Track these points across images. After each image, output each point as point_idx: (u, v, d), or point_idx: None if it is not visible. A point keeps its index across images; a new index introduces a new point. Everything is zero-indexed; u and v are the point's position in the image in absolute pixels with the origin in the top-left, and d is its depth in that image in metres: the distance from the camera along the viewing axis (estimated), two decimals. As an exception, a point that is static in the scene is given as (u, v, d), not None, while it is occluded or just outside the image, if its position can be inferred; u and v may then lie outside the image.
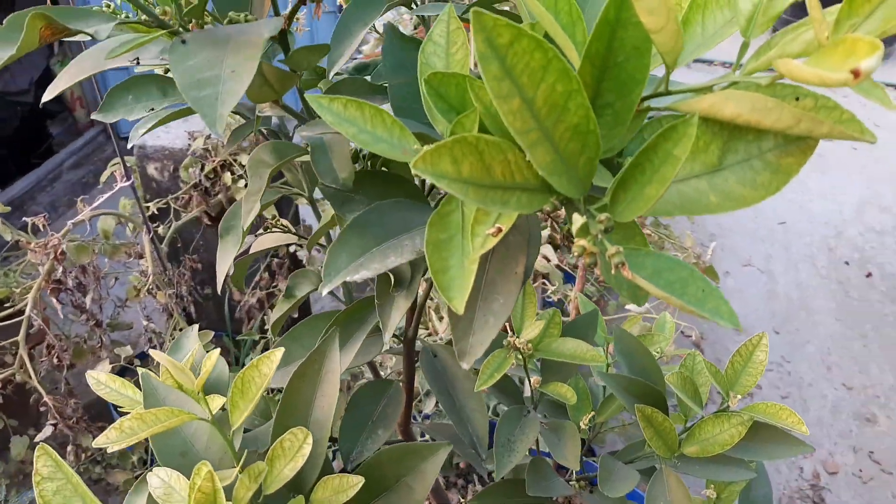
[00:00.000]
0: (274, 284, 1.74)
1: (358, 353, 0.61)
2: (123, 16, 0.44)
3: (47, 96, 0.47)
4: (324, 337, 0.52)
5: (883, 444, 1.88)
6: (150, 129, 0.65)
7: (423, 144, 0.41)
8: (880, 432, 1.92)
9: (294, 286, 0.72)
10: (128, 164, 1.47)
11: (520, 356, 0.60)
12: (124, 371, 1.62)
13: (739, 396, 0.57)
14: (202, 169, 1.60)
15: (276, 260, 1.77)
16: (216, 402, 0.47)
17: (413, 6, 0.58)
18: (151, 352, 0.44)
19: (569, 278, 1.69)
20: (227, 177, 1.60)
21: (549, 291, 1.40)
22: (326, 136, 0.51)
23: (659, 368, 0.62)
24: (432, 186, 0.57)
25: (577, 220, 0.33)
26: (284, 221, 0.75)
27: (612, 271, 0.34)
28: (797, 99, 0.33)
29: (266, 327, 1.63)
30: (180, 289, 1.54)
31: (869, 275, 2.57)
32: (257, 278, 1.76)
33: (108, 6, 0.49)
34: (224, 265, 0.66)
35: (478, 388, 0.57)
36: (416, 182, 0.56)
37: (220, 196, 1.62)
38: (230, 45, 0.41)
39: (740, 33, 0.32)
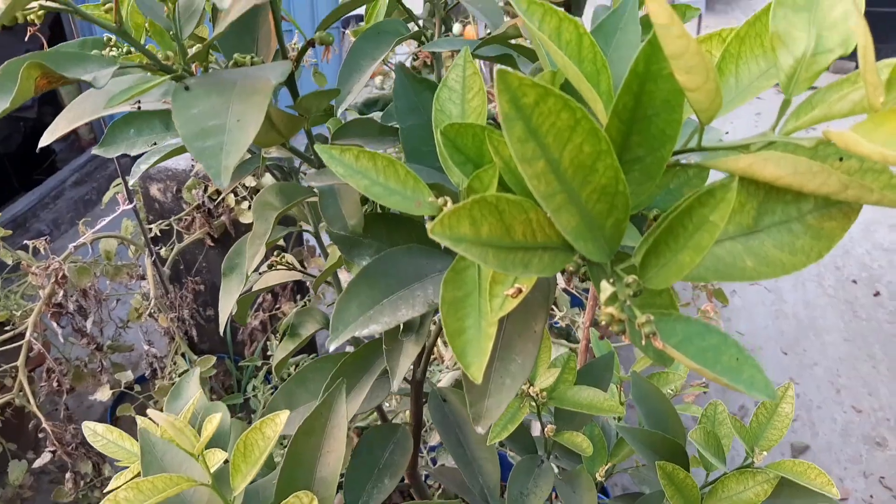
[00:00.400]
0: (277, 307, 1.72)
1: (365, 399, 0.58)
2: (125, 49, 0.42)
3: (44, 141, 0.45)
4: (330, 388, 0.50)
5: (893, 468, 1.85)
6: (153, 165, 0.63)
7: (437, 196, 0.39)
8: (891, 457, 1.89)
9: (299, 324, 0.70)
10: (130, 186, 1.45)
11: (533, 404, 0.58)
12: (123, 396, 1.59)
13: (765, 453, 0.55)
14: (205, 190, 1.58)
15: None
16: (217, 456, 0.45)
17: (423, 41, 0.56)
18: (150, 412, 0.42)
19: (576, 301, 1.66)
20: (231, 198, 1.59)
21: (557, 317, 1.38)
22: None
23: (676, 414, 0.59)
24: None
25: (606, 288, 0.31)
26: (290, 257, 0.73)
27: (643, 342, 0.32)
28: (840, 159, 0.30)
29: (269, 353, 1.60)
30: (182, 312, 1.52)
31: (877, 293, 2.55)
32: (260, 300, 1.74)
33: (109, 40, 0.47)
34: (227, 305, 0.63)
35: (490, 442, 0.54)
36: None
37: (223, 217, 1.61)
38: (236, 92, 0.39)
39: (781, 90, 0.30)
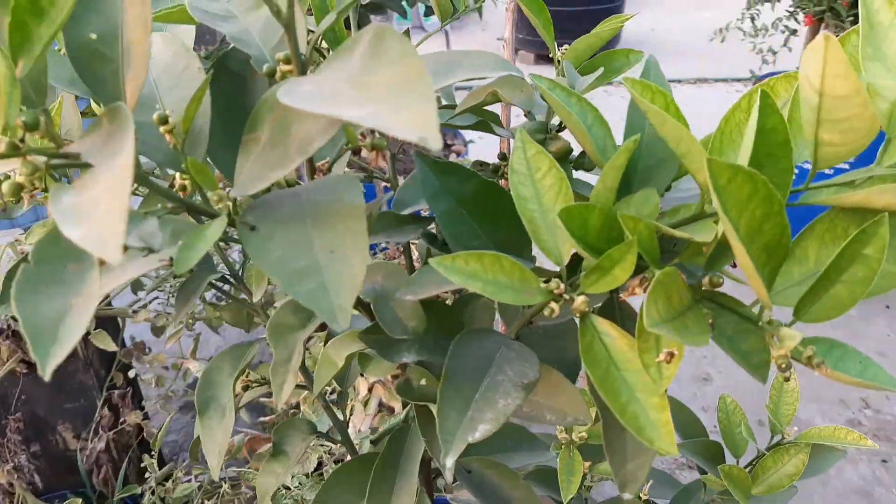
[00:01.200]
0: (122, 421, 1.52)
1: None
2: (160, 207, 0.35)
3: None
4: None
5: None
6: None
7: (542, 281, 0.39)
8: (717, 388, 2.18)
9: (282, 441, 0.63)
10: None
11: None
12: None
13: (796, 428, 0.61)
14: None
15: (115, 392, 1.55)
16: None
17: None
18: None
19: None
20: (43, 314, 1.37)
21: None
22: (383, 285, 0.45)
23: (694, 415, 0.64)
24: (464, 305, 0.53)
25: (790, 335, 0.33)
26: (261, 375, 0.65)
27: (817, 372, 0.34)
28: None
29: (147, 476, 1.40)
30: (18, 459, 1.28)
31: None
32: (97, 417, 1.53)
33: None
34: (214, 447, 0.55)
35: (567, 499, 0.54)
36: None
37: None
38: (309, 222, 0.35)
39: (883, 129, 0.34)
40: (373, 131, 0.44)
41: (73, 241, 0.24)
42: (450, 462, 0.40)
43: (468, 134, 2.89)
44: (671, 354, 0.36)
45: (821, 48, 0.27)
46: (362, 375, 0.73)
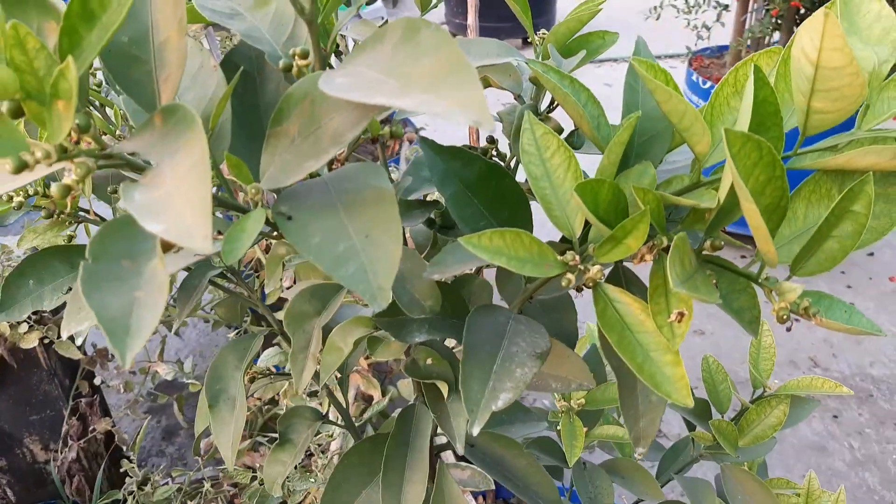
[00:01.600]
0: (92, 430, 1.49)
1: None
2: None
3: None
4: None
5: (716, 348, 2.22)
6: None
7: (559, 255, 0.41)
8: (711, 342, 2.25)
9: (288, 429, 0.64)
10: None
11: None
12: None
13: (777, 381, 0.66)
14: (-35, 326, 1.30)
15: (83, 401, 1.52)
16: None
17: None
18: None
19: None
20: (3, 325, 1.33)
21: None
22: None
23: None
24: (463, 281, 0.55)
25: (794, 289, 0.36)
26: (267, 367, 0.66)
27: (812, 321, 0.38)
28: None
29: (127, 489, 1.37)
30: (-11, 476, 1.24)
31: None
32: (66, 427, 1.49)
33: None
34: (227, 438, 0.56)
35: (572, 461, 0.57)
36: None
37: (-2, 350, 1.34)
38: (342, 209, 0.36)
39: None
40: (387, 120, 0.45)
41: (156, 234, 0.25)
42: (476, 430, 0.42)
43: (418, 120, 2.90)
44: (681, 314, 0.39)
45: (819, 24, 0.30)
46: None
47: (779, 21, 2.22)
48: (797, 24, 2.24)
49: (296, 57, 0.39)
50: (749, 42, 2.28)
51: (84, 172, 0.29)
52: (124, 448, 1.52)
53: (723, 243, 0.41)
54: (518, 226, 0.50)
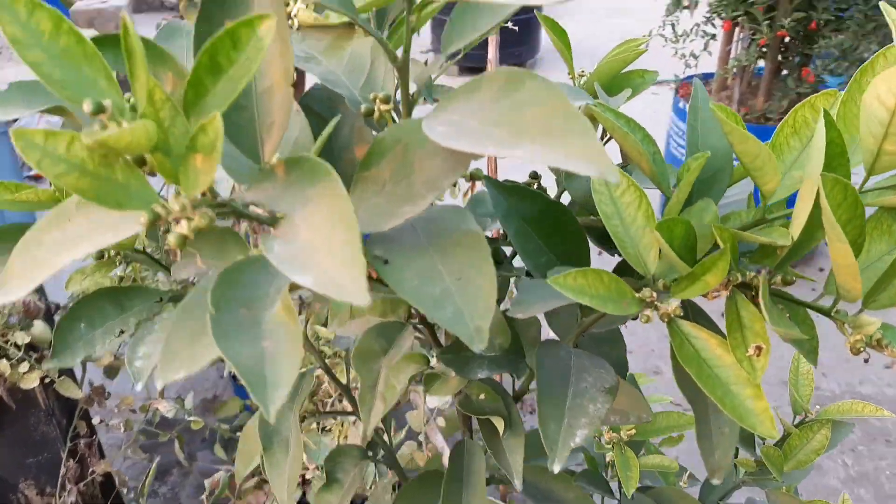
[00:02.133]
0: (91, 472, 1.45)
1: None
2: None
3: None
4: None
5: (673, 388, 2.24)
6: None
7: (635, 292, 0.42)
8: (668, 380, 2.27)
9: (334, 468, 0.63)
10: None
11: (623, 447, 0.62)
12: None
13: (818, 406, 0.66)
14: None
15: (82, 441, 1.48)
16: None
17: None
18: None
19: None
20: (3, 363, 1.30)
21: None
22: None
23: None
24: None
25: (868, 322, 0.38)
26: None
27: (886, 354, 0.39)
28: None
29: None
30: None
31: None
32: (63, 470, 1.46)
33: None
34: (282, 483, 0.55)
35: (630, 492, 0.57)
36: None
37: (-4, 391, 1.31)
38: (431, 251, 0.37)
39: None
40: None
41: (306, 286, 0.25)
42: (557, 468, 0.43)
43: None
44: (759, 348, 0.40)
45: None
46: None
47: (764, 49, 2.29)
48: (782, 53, 2.31)
49: (377, 101, 0.40)
50: (735, 70, 2.34)
51: (206, 223, 0.29)
52: (125, 490, 1.48)
53: (794, 279, 0.42)
54: (576, 259, 0.51)
